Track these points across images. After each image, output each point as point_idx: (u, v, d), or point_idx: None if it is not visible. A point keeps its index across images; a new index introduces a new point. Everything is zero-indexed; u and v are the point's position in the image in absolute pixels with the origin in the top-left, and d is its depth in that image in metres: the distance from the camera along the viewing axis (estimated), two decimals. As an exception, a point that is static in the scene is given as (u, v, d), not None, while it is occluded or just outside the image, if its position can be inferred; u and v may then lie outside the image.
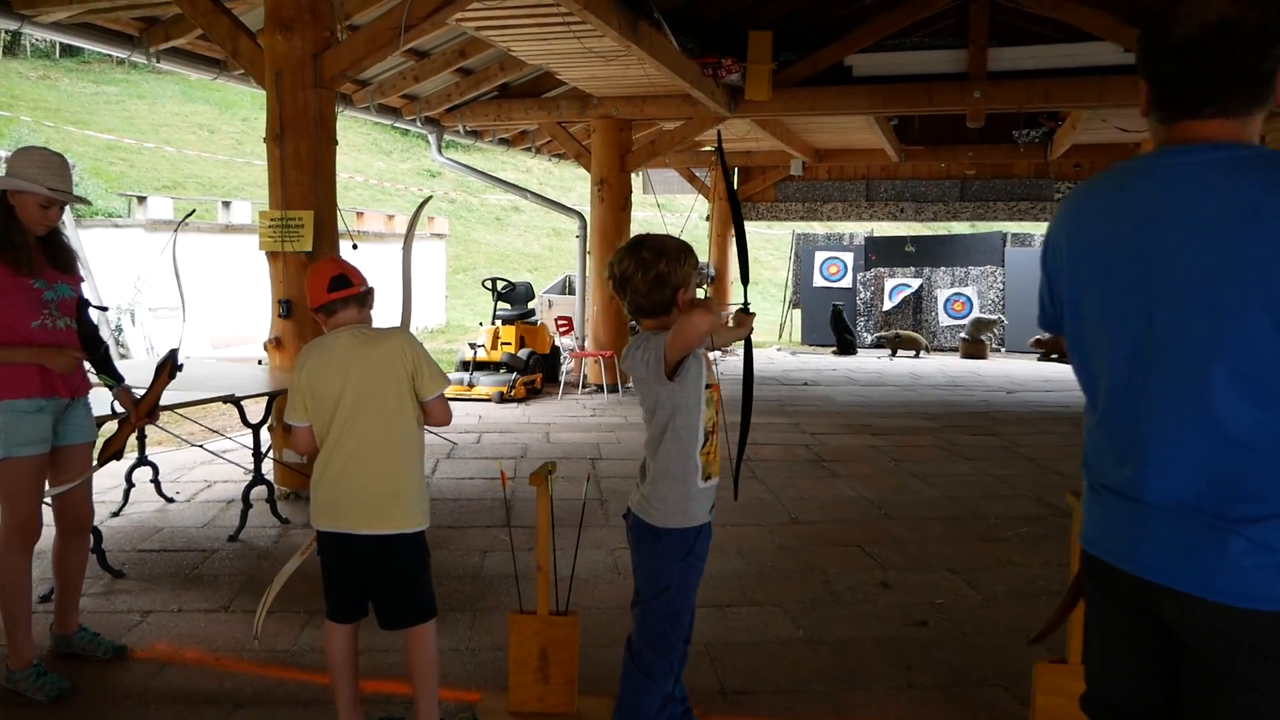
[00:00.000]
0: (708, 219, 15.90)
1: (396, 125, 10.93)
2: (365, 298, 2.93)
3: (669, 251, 2.59)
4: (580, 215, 11.53)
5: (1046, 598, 4.49)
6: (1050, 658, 3.04)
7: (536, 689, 3.17)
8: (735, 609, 4.25)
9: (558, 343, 10.92)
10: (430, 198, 4.43)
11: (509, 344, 10.19)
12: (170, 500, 5.79)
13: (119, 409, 3.74)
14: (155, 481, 5.76)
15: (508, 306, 10.71)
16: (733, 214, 3.09)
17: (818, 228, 18.50)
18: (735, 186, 15.93)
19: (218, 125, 24.90)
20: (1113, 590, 1.85)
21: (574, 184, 27.00)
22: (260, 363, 6.68)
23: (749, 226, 19.47)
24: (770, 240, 26.67)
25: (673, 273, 2.57)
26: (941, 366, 14.18)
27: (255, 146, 24.95)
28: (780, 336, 17.26)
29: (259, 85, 5.84)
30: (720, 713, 3.26)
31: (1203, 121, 1.66)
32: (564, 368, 10.78)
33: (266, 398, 5.35)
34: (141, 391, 3.59)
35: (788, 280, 17.77)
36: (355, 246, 6.16)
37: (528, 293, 11.02)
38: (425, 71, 9.29)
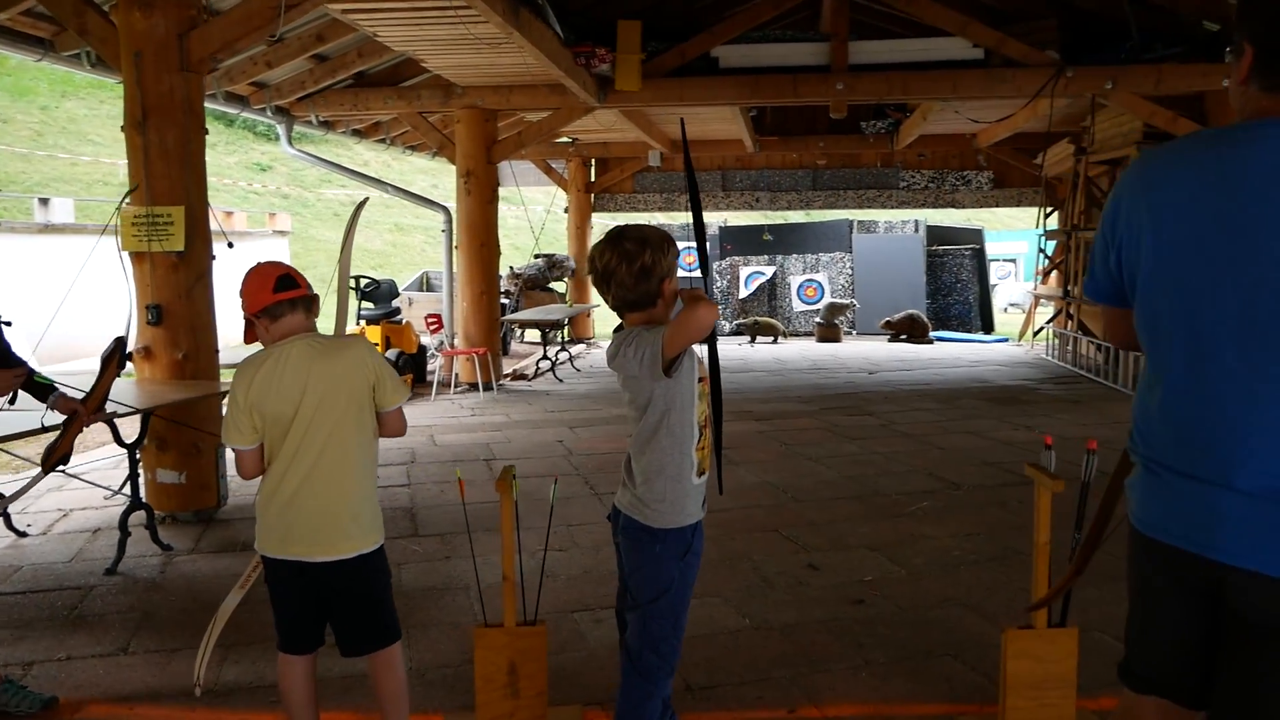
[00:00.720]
0: (566, 211, 15.75)
1: (244, 114, 10.32)
2: (313, 301, 2.69)
3: (652, 241, 2.48)
4: (445, 209, 11.21)
5: (966, 567, 4.63)
6: (1016, 625, 3.07)
7: (506, 705, 3.00)
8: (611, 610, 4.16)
9: (423, 341, 10.58)
10: (366, 200, 4.14)
11: (375, 344, 9.78)
12: (23, 534, 5.17)
13: (56, 418, 3.38)
14: (4, 515, 5.13)
15: (371, 305, 10.30)
16: (692, 205, 2.98)
17: (673, 218, 18.63)
18: (594, 179, 15.86)
19: (11, 115, 23.01)
20: (1170, 570, 1.86)
21: (414, 177, 26.32)
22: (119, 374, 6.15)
23: (606, 219, 19.43)
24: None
25: (658, 263, 2.47)
26: (801, 351, 14.50)
27: (58, 138, 23.20)
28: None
29: (113, 67, 5.36)
30: (694, 710, 3.18)
31: None
32: (432, 367, 10.45)
33: (140, 414, 4.88)
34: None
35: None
36: (230, 245, 5.76)
37: (392, 291, 10.64)
38: (279, 57, 8.78)
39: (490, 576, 4.44)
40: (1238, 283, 1.68)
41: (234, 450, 2.67)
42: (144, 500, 4.81)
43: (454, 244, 10.52)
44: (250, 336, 2.70)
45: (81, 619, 4.05)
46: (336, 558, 2.62)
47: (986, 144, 14.14)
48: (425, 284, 14.03)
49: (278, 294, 2.58)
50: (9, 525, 5.14)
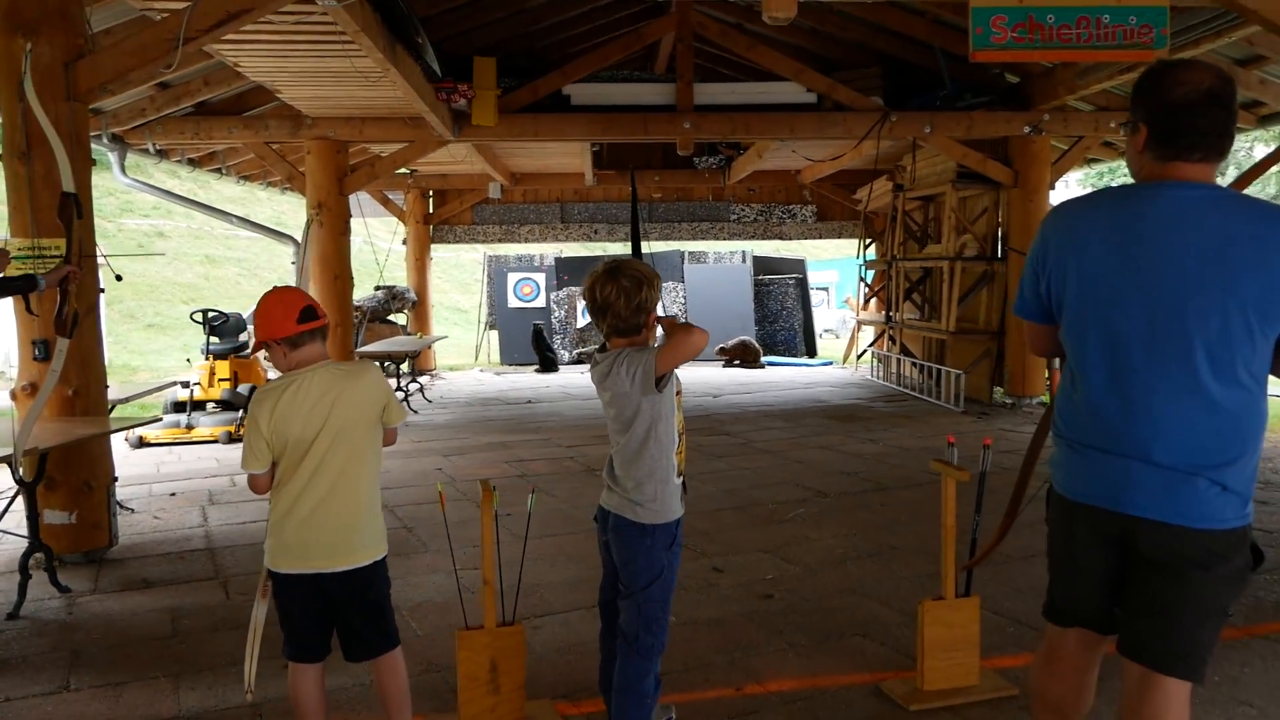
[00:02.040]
0: (405, 243, 15.72)
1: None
2: (328, 330, 2.87)
3: (646, 279, 2.83)
4: (295, 240, 11.08)
5: (851, 562, 5.12)
6: (930, 597, 3.53)
7: (488, 701, 3.23)
8: (582, 612, 4.44)
9: (270, 376, 10.40)
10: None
11: (226, 380, 9.60)
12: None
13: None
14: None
15: (217, 340, 10.06)
16: (633, 237, 3.32)
17: (509, 249, 18.87)
18: (432, 210, 15.91)
19: None
20: (1090, 525, 2.34)
21: (254, 208, 25.40)
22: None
23: (446, 250, 19.39)
24: (460, 266, 26.69)
25: (649, 298, 2.82)
26: (643, 378, 14.97)
27: None
28: (477, 358, 17.38)
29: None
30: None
31: (1191, 164, 2.19)
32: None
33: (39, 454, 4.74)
34: None
35: (482, 302, 17.95)
36: (119, 278, 5.69)
37: (239, 325, 10.41)
38: (123, 84, 8.55)
39: (424, 593, 4.63)
40: (1143, 304, 2.19)
41: (248, 473, 2.81)
42: (43, 542, 4.68)
43: (304, 276, 10.42)
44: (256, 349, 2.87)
45: (3, 663, 3.95)
46: (352, 566, 2.79)
47: (811, 180, 15.14)
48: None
49: (301, 325, 2.75)
50: None
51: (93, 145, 9.93)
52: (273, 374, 9.97)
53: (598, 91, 10.26)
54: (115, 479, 5.42)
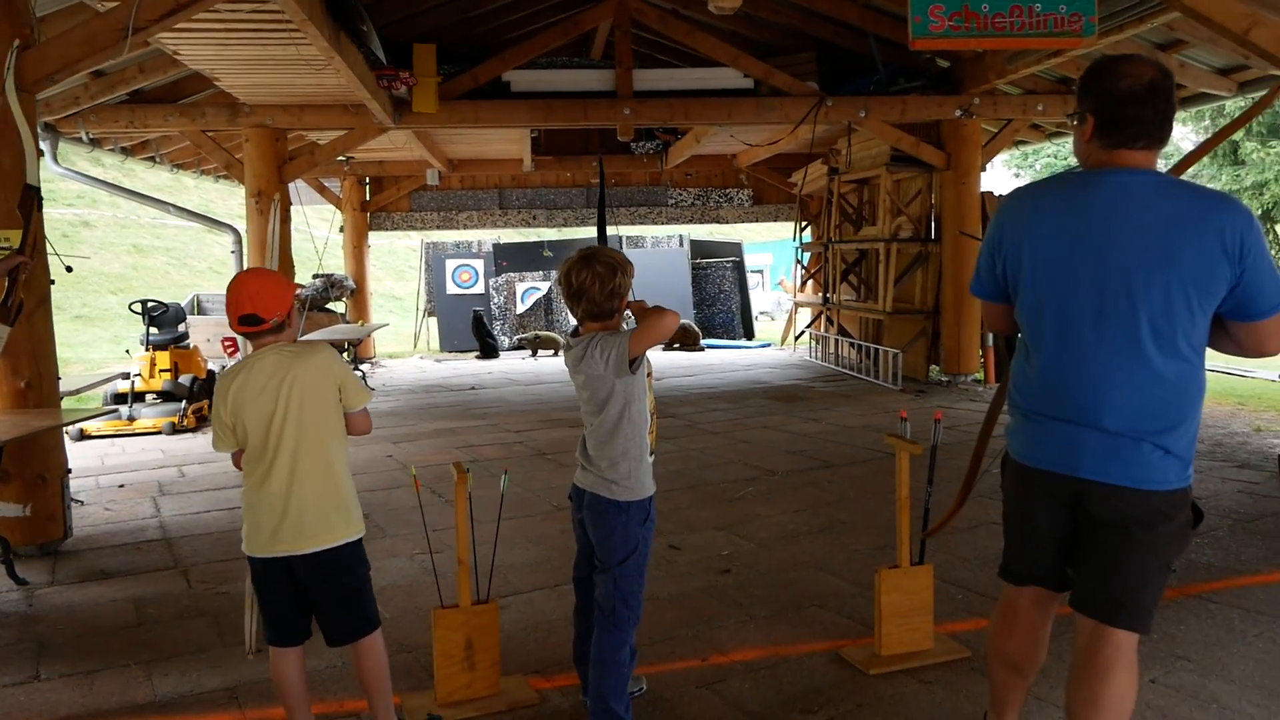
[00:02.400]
0: (341, 230, 15.57)
1: None
2: (281, 328, 2.89)
3: (620, 265, 2.94)
4: (234, 230, 10.93)
5: (803, 537, 5.29)
6: (885, 566, 3.70)
7: (464, 678, 3.31)
8: (565, 587, 4.55)
9: (213, 366, 10.30)
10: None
11: (167, 371, 9.47)
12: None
13: None
14: None
15: (155, 331, 9.91)
16: (599, 224, 3.42)
17: (447, 236, 18.76)
18: (369, 197, 15.77)
19: None
20: (1043, 489, 2.51)
21: (184, 196, 24.81)
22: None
23: (383, 237, 19.25)
24: (394, 253, 26.44)
25: (621, 284, 2.92)
26: (585, 362, 15.05)
27: None
28: (416, 345, 17.30)
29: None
30: (623, 667, 3.59)
31: (1135, 151, 2.35)
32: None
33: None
34: None
35: (420, 289, 17.84)
36: (69, 269, 5.62)
37: (179, 315, 10.26)
38: (69, 74, 8.37)
39: (387, 577, 4.69)
40: (1092, 282, 2.35)
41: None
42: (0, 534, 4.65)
43: (244, 265, 10.31)
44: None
45: (-36, 657, 3.93)
46: (320, 548, 2.85)
47: (747, 164, 15.32)
48: (197, 307, 13.49)
49: (240, 327, 2.80)
50: None
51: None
52: (214, 364, 9.84)
53: (538, 78, 10.30)
54: (69, 471, 5.37)
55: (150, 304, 9.50)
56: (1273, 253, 24.92)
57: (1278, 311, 2.32)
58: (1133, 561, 2.41)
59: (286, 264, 10.20)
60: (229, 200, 24.95)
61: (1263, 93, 9.84)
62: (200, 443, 8.51)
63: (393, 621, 4.14)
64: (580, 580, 3.20)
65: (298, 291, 11.30)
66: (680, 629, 3.98)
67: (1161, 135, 2.34)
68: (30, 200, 3.75)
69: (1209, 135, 27.33)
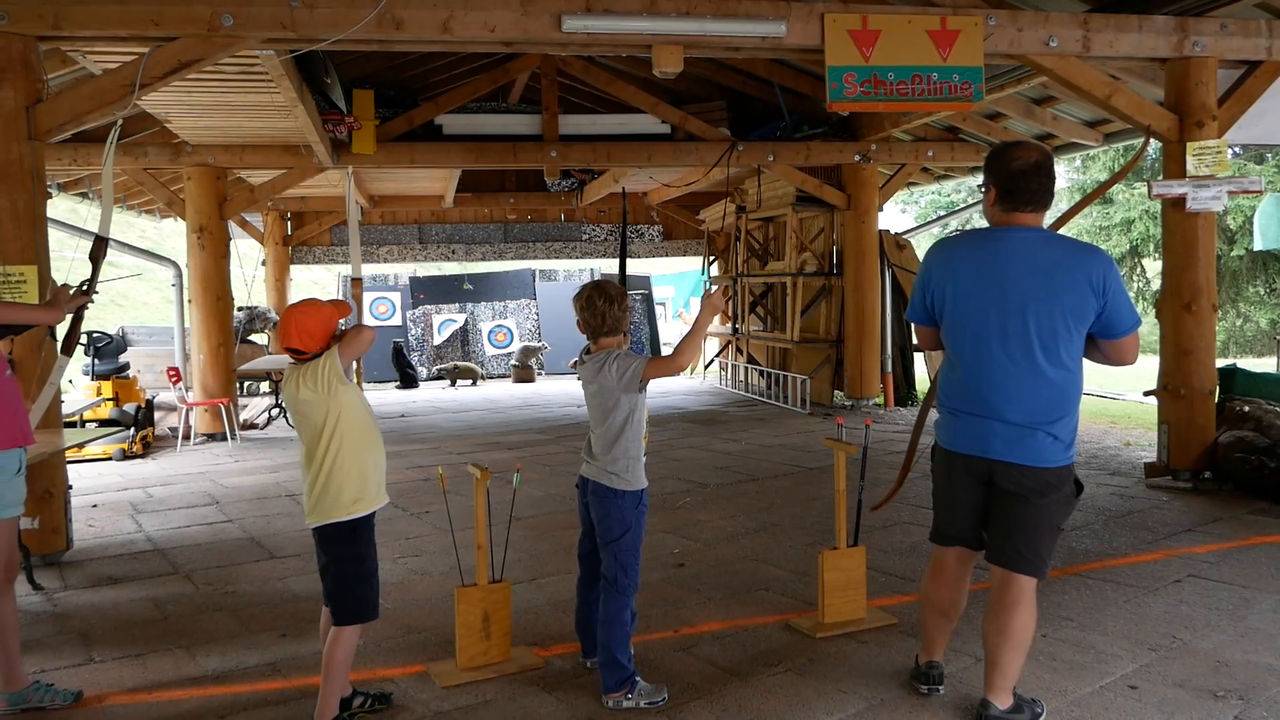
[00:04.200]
0: (264, 264, 15.81)
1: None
2: (320, 354, 3.39)
3: (622, 294, 3.64)
4: (175, 264, 11.20)
5: (741, 537, 5.98)
6: (827, 547, 4.40)
7: (481, 646, 3.91)
8: (542, 580, 5.17)
9: (162, 395, 10.55)
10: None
11: (110, 400, 9.72)
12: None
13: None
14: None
15: (98, 362, 10.14)
16: (620, 257, 4.10)
17: (367, 270, 19.06)
18: (291, 232, 16.07)
19: None
20: (964, 469, 3.27)
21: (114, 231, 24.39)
22: None
23: (305, 271, 19.41)
24: (315, 285, 26.44)
25: (627, 307, 3.62)
26: (505, 391, 15.62)
27: None
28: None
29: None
30: (612, 638, 4.22)
31: (1026, 214, 3.16)
32: (173, 421, 10.45)
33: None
34: None
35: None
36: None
37: (119, 346, 10.49)
38: (77, 125, 8.62)
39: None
40: (997, 311, 3.14)
41: None
42: (22, 543, 5.02)
43: (187, 298, 10.62)
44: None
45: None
46: (312, 524, 3.42)
47: (657, 202, 16.15)
48: (123, 337, 13.59)
49: (290, 355, 3.38)
50: None
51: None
52: (164, 395, 10.10)
53: (469, 121, 10.93)
54: (70, 487, 5.75)
55: (95, 335, 9.74)
56: (1142, 282, 26.83)
57: (1132, 331, 3.14)
58: (1031, 522, 3.18)
59: (227, 297, 10.55)
60: (168, 236, 24.73)
61: (1127, 142, 11.11)
62: (153, 467, 8.79)
63: (398, 610, 4.69)
64: (585, 556, 3.84)
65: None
66: (651, 609, 4.62)
67: (1045, 201, 3.15)
68: (100, 248, 4.23)
69: (1080, 175, 29.45)
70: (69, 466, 8.51)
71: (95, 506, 7.08)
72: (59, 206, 21.12)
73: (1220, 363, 7.40)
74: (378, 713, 3.53)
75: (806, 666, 3.92)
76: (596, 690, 3.64)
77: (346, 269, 19.11)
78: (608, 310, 3.60)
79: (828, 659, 3.99)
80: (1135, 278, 28.49)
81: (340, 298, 9.57)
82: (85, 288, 4.06)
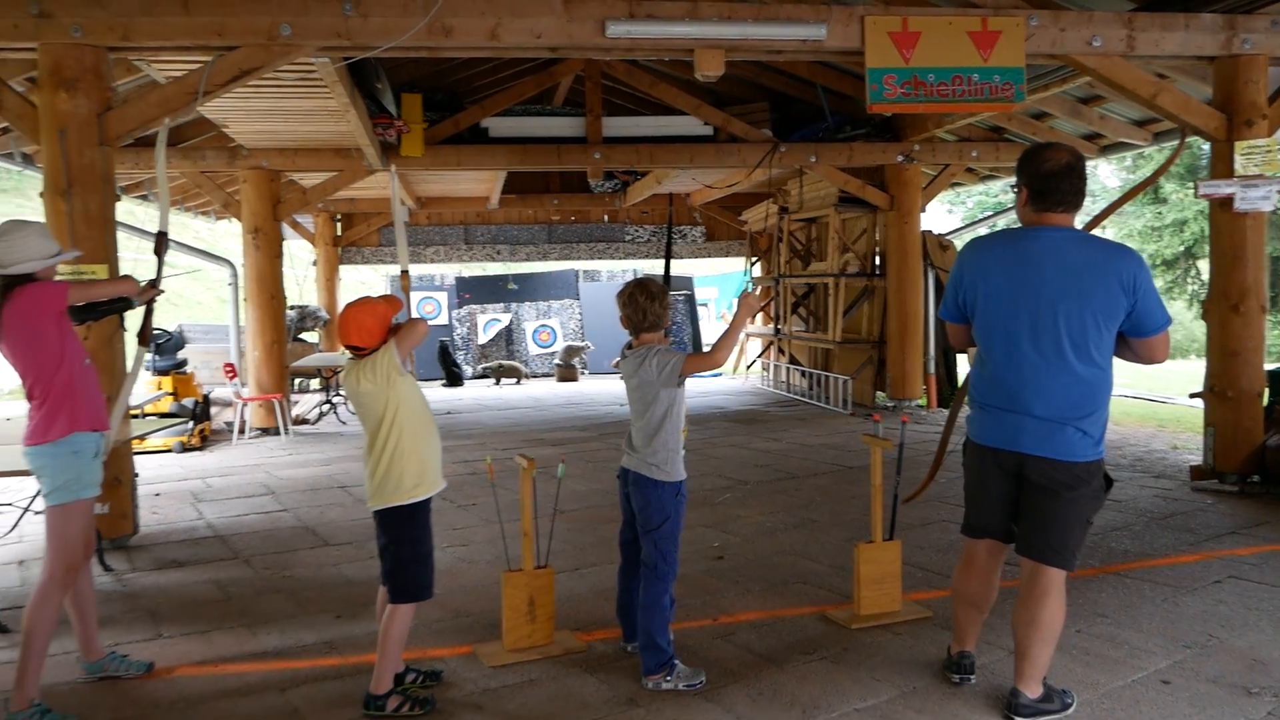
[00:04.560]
0: (314, 264, 16.16)
1: None
2: (378, 349, 3.56)
3: (664, 291, 3.77)
4: (230, 264, 11.53)
5: (779, 533, 6.09)
6: (863, 541, 4.50)
7: (526, 629, 4.06)
8: (584, 570, 5.32)
9: (219, 390, 10.87)
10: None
11: (170, 395, 10.04)
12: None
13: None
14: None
15: (158, 357, 10.47)
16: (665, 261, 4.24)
17: (414, 270, 19.39)
18: (340, 233, 16.40)
19: None
20: (995, 462, 3.36)
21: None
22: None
23: (354, 271, 19.77)
24: (362, 285, 26.89)
25: (669, 304, 3.76)
26: (549, 390, 15.81)
27: None
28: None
29: (30, 139, 5.79)
30: (652, 625, 4.35)
31: (1058, 214, 3.24)
32: (229, 415, 10.75)
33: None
34: None
35: (384, 321, 18.42)
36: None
37: (179, 343, 10.82)
38: (144, 131, 8.93)
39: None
40: (1028, 309, 3.22)
41: None
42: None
43: (242, 297, 10.93)
44: None
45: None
46: (372, 508, 3.60)
47: (700, 203, 16.26)
48: (180, 335, 13.99)
49: (350, 352, 3.57)
50: None
51: (11, 165, 10.30)
52: (219, 390, 10.45)
53: (514, 124, 11.11)
54: (136, 475, 6.01)
55: (156, 331, 10.04)
56: (1197, 284, 26.41)
57: (1163, 330, 3.21)
58: (1060, 516, 3.26)
59: (280, 296, 10.84)
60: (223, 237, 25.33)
61: (1173, 143, 11.02)
62: (211, 459, 9.08)
63: (444, 597, 4.84)
64: (626, 544, 3.98)
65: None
66: (691, 599, 4.74)
67: (1077, 202, 3.23)
68: (163, 243, 4.45)
69: (1131, 174, 29.08)
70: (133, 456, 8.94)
71: (158, 495, 7.35)
72: (118, 209, 21.79)
73: (1269, 365, 7.36)
74: (429, 689, 3.69)
75: (841, 655, 4.03)
76: (637, 672, 3.78)
77: (394, 269, 19.44)
78: (649, 306, 3.74)
79: (862, 648, 4.09)
80: (1189, 279, 28.11)
81: (390, 293, 9.84)
82: (153, 281, 4.27)
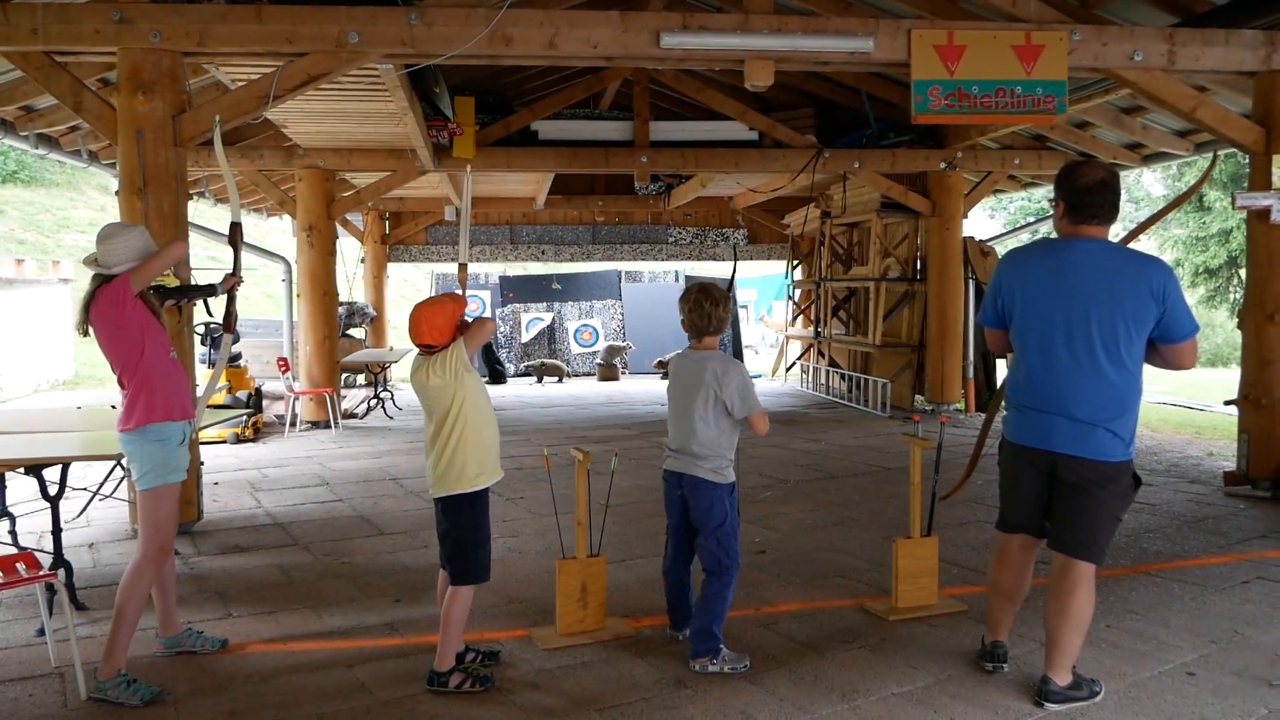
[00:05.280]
0: (362, 261, 16.52)
1: (53, 155, 10.35)
2: (447, 346, 3.79)
3: (726, 297, 3.97)
4: (285, 260, 11.87)
5: (819, 530, 6.26)
6: (902, 537, 4.67)
7: (578, 614, 4.28)
8: (630, 561, 5.53)
9: (270, 384, 11.21)
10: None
11: (224, 388, 10.36)
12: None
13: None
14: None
15: (214, 352, 10.80)
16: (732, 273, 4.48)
17: (455, 268, 19.74)
18: (389, 231, 16.75)
19: None
20: (1029, 460, 3.53)
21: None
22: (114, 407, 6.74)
23: (402, 269, 20.10)
24: (405, 282, 27.37)
25: (728, 310, 3.96)
26: (590, 389, 16.06)
27: None
28: (424, 372, 18.21)
29: (108, 139, 6.09)
30: (697, 613, 4.55)
31: (1092, 226, 3.41)
32: (279, 409, 11.09)
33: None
34: None
35: (429, 318, 18.77)
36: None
37: (234, 337, 11.16)
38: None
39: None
40: (1063, 316, 3.39)
41: None
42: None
43: (295, 293, 11.26)
44: None
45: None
46: (434, 495, 3.84)
47: (743, 206, 16.44)
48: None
49: (422, 350, 3.80)
50: None
51: (73, 160, 10.67)
52: (270, 384, 10.77)
53: (562, 128, 11.36)
54: (202, 464, 6.30)
55: (210, 325, 10.40)
56: (1240, 292, 26.30)
57: (1190, 337, 3.37)
58: (1090, 513, 3.43)
59: (333, 292, 11.18)
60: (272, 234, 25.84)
61: (1221, 150, 11.04)
62: (264, 451, 9.40)
63: (494, 585, 5.07)
64: (676, 535, 4.17)
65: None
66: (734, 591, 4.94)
67: (1111, 215, 3.40)
68: (238, 233, 4.71)
69: (1176, 181, 28.86)
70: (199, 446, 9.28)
71: (217, 484, 7.66)
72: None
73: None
74: (489, 667, 3.92)
75: (879, 645, 4.21)
76: (684, 657, 3.99)
77: (439, 267, 19.80)
78: (714, 312, 3.96)
79: (899, 639, 4.27)
80: (1232, 288, 27.83)
81: (456, 291, 10.08)
82: (233, 270, 4.53)
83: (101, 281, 3.85)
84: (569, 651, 4.14)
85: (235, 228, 4.72)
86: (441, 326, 3.76)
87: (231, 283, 4.49)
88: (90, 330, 3.84)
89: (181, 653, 4.08)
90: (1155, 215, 4.79)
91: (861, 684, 3.78)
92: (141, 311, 3.84)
